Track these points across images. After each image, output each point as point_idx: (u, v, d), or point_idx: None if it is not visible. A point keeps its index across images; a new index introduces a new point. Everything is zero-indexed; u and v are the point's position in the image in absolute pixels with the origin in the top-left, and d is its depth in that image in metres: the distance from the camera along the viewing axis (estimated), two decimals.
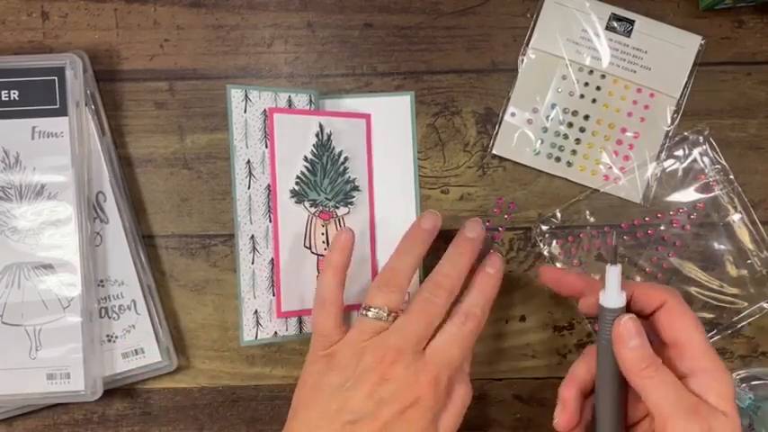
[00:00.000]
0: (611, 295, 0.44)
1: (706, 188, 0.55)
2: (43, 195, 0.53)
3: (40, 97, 0.53)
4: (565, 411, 0.47)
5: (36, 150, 0.53)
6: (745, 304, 0.55)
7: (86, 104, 0.54)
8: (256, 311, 0.55)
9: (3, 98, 0.53)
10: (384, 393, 0.46)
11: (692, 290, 0.55)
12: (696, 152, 0.55)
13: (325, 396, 0.47)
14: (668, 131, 0.55)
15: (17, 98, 0.53)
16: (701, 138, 0.55)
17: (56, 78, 0.53)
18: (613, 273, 0.44)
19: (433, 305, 0.48)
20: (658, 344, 0.45)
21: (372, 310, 0.48)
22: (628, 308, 0.45)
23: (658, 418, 0.42)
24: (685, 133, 0.55)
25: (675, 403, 0.42)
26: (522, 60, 0.56)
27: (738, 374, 0.53)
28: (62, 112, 0.53)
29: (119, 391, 0.55)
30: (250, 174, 0.54)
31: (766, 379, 0.53)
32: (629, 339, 0.43)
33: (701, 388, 0.42)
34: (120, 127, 0.56)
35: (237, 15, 0.56)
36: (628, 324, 0.43)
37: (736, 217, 0.55)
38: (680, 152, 0.55)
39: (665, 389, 0.42)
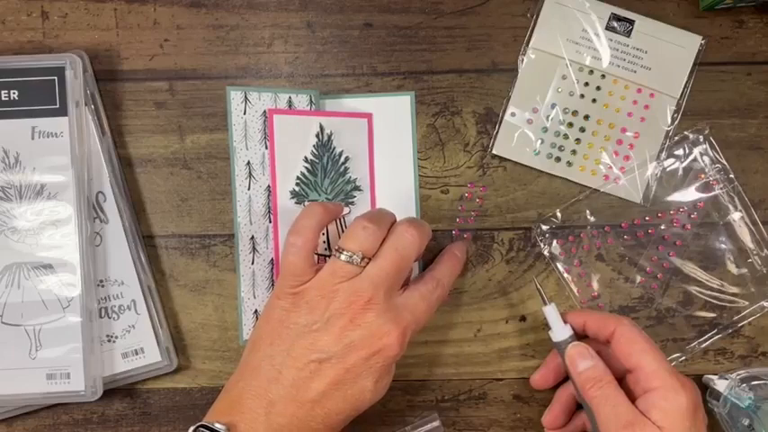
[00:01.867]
0: (557, 330, 0.50)
1: (706, 187, 0.55)
2: (43, 195, 0.53)
3: (40, 97, 0.53)
4: (551, 409, 0.53)
5: (36, 150, 0.53)
6: (746, 303, 0.55)
7: (86, 104, 0.54)
8: (256, 311, 0.55)
9: (3, 98, 0.53)
10: (354, 337, 0.46)
11: (693, 289, 0.55)
12: (696, 151, 0.55)
13: (292, 333, 0.47)
14: (668, 131, 0.55)
15: (17, 98, 0.53)
16: (701, 137, 0.55)
17: (56, 78, 0.53)
18: (550, 312, 0.51)
19: (405, 259, 0.48)
20: (624, 368, 0.49)
21: (345, 252, 0.48)
22: (585, 334, 0.51)
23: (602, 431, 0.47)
24: (685, 132, 0.55)
25: (612, 418, 0.46)
26: (522, 60, 0.56)
27: (738, 374, 0.53)
28: (62, 112, 0.53)
29: (119, 391, 0.55)
30: (250, 175, 0.54)
31: (766, 379, 0.52)
32: (577, 364, 0.49)
33: (647, 405, 0.46)
34: (120, 127, 0.56)
35: (237, 15, 0.56)
36: (571, 352, 0.49)
37: (736, 216, 0.55)
38: (680, 151, 0.55)
39: (606, 405, 0.47)
